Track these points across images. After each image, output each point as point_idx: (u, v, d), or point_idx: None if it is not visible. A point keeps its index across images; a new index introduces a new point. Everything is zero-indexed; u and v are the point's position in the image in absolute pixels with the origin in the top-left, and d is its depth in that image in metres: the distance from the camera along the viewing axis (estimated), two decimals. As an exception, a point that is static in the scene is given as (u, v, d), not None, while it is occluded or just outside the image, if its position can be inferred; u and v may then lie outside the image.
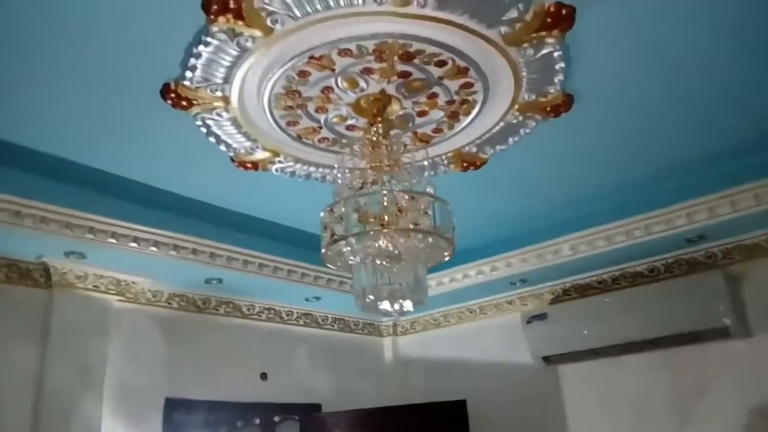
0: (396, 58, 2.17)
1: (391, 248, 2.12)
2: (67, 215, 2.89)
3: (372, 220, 2.14)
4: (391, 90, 2.35)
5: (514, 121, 2.64)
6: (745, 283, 3.50)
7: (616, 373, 3.88)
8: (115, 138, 2.66)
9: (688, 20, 2.10)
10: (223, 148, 2.71)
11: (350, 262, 2.17)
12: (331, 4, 1.90)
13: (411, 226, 2.05)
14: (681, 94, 2.55)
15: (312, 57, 2.15)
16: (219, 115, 2.47)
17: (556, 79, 2.36)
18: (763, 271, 3.48)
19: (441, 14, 1.97)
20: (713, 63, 2.35)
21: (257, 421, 4.18)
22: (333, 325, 4.73)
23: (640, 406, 3.74)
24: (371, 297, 2.13)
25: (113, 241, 3.01)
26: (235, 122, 2.53)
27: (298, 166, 2.92)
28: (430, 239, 2.10)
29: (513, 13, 1.98)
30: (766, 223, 3.30)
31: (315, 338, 4.58)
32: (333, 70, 2.23)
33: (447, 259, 2.24)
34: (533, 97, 2.47)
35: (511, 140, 2.79)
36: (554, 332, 3.98)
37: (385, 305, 2.13)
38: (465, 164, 2.98)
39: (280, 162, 2.87)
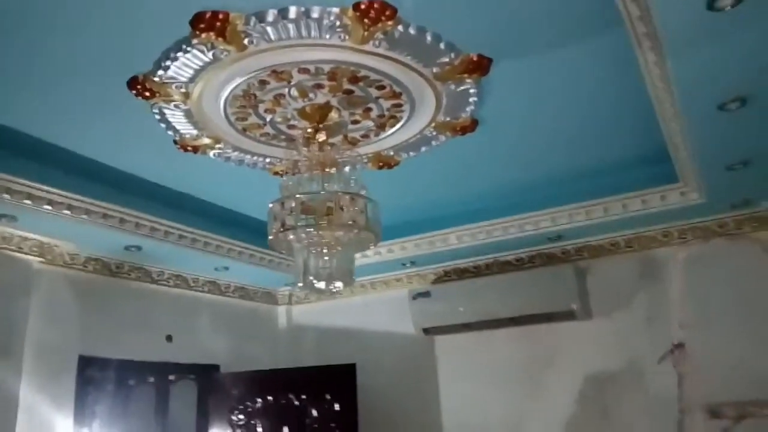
0: (345, 79, 2.59)
1: (327, 239, 2.57)
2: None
3: (313, 214, 2.58)
4: (334, 102, 2.77)
5: (429, 135, 3.16)
6: (590, 275, 4.35)
7: (483, 344, 4.62)
8: (68, 113, 2.82)
9: (572, 78, 2.72)
10: (170, 133, 2.97)
11: (294, 247, 2.59)
12: (303, 34, 2.27)
13: (350, 223, 2.50)
14: (560, 128, 3.21)
15: (274, 71, 2.51)
16: (176, 106, 2.74)
17: (467, 108, 2.90)
18: (604, 268, 4.34)
19: (389, 53, 2.42)
20: (585, 105, 3.02)
21: (151, 379, 4.46)
22: (235, 294, 5.07)
23: (501, 373, 4.50)
24: (311, 277, 2.56)
25: (49, 207, 3.16)
26: (188, 114, 2.81)
27: (235, 153, 3.24)
28: (363, 234, 2.57)
29: (445, 58, 2.48)
30: (609, 229, 4.13)
31: (217, 305, 4.91)
32: (289, 82, 2.60)
33: (372, 247, 2.73)
34: (447, 119, 3.00)
35: (423, 149, 3.31)
36: (435, 308, 4.63)
37: (321, 284, 2.57)
38: (381, 164, 3.47)
39: (219, 148, 3.18)
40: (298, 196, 2.52)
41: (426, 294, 4.65)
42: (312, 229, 2.49)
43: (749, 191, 3.59)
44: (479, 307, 4.45)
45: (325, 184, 2.64)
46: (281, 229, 2.53)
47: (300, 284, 2.62)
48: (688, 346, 3.44)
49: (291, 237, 2.54)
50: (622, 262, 4.29)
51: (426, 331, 4.70)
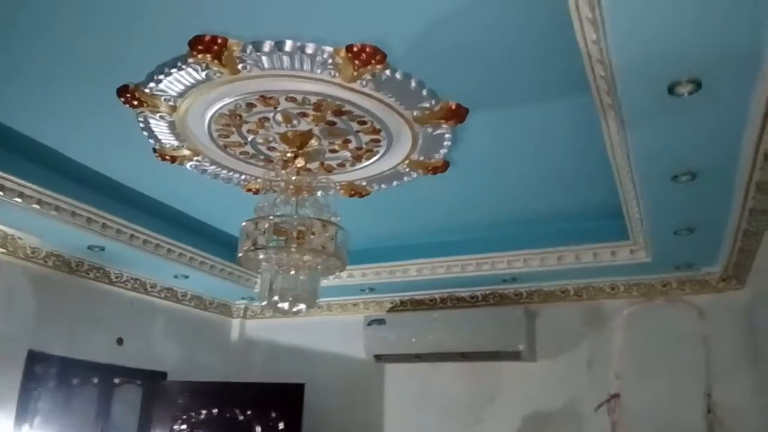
0: (329, 111, 2.71)
1: (296, 262, 2.66)
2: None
3: (285, 235, 2.68)
4: (316, 131, 2.89)
5: (401, 171, 3.30)
6: (538, 319, 4.53)
7: (431, 375, 4.73)
8: (53, 112, 2.86)
9: (541, 131, 2.91)
10: (151, 141, 3.04)
11: (263, 266, 2.68)
12: (296, 66, 2.40)
13: (320, 248, 2.60)
14: (526, 175, 3.40)
15: (263, 96, 2.62)
16: (161, 117, 2.81)
17: (441, 150, 3.06)
18: (552, 312, 4.53)
19: (375, 93, 2.56)
20: (551, 157, 3.20)
21: (96, 380, 4.42)
22: (190, 302, 5.07)
23: (445, 404, 4.62)
24: (275, 298, 2.65)
25: (19, 200, 3.16)
26: (172, 126, 2.89)
27: (212, 167, 3.32)
28: (331, 260, 2.68)
29: (426, 104, 2.63)
30: (561, 277, 4.33)
31: (172, 311, 4.90)
32: (275, 107, 2.71)
33: (337, 272, 2.83)
34: (421, 158, 3.15)
35: (394, 183, 3.45)
36: (388, 335, 4.73)
37: (284, 305, 2.66)
38: (353, 192, 3.59)
39: (197, 161, 3.25)
40: (271, 217, 2.61)
41: (381, 321, 4.76)
42: (282, 251, 2.58)
43: (692, 256, 3.84)
44: (431, 339, 4.57)
45: (299, 209, 2.75)
46: (252, 248, 2.61)
47: (264, 302, 2.70)
48: (623, 396, 3.63)
49: (261, 256, 2.63)
50: (570, 309, 4.49)
51: (377, 357, 4.79)
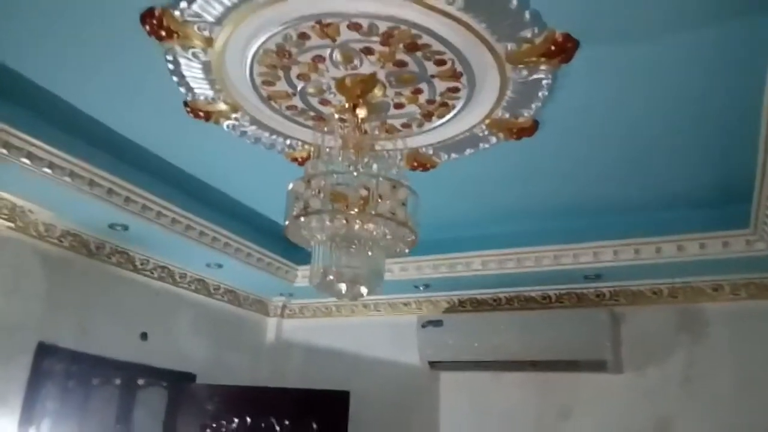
0: (401, 45, 2.16)
1: (358, 232, 2.10)
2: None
3: (344, 201, 2.12)
4: (380, 75, 2.34)
5: (480, 134, 2.73)
6: (624, 324, 3.88)
7: (493, 387, 4.12)
8: (63, 53, 2.37)
9: (665, 79, 2.30)
10: (182, 90, 2.52)
11: (316, 239, 2.12)
12: (364, -25, 1.86)
13: (389, 215, 2.04)
14: (632, 141, 2.78)
15: (319, 22, 2.08)
16: (195, 56, 2.29)
17: (533, 105, 2.48)
18: (640, 316, 3.87)
19: (462, 15, 1.99)
20: (671, 126, 2.60)
21: (118, 381, 3.92)
22: (223, 297, 4.57)
23: (509, 420, 4.00)
24: (331, 277, 2.09)
25: (27, 161, 2.69)
26: (207, 67, 2.37)
27: (253, 128, 2.79)
28: (400, 231, 2.11)
29: (527, 33, 2.06)
30: (655, 274, 3.67)
31: (202, 306, 4.40)
32: (334, 40, 2.16)
33: (405, 251, 2.26)
34: (506, 116, 2.57)
35: (467, 151, 2.88)
36: (446, 340, 4.13)
37: (342, 287, 2.10)
38: (416, 164, 3.02)
39: (235, 119, 2.73)
40: (327, 173, 2.06)
41: (438, 323, 4.16)
42: (342, 217, 2.02)
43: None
44: (497, 345, 3.96)
45: (360, 168, 2.19)
46: (303, 213, 2.06)
47: (315, 282, 2.14)
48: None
49: (314, 224, 2.06)
50: (662, 313, 3.82)
51: (432, 364, 4.19)
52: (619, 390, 3.77)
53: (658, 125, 2.64)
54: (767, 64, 2.03)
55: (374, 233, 2.06)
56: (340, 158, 2.19)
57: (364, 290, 2.14)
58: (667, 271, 3.59)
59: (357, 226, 2.06)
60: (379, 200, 2.06)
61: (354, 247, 2.10)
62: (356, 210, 2.04)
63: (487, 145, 2.81)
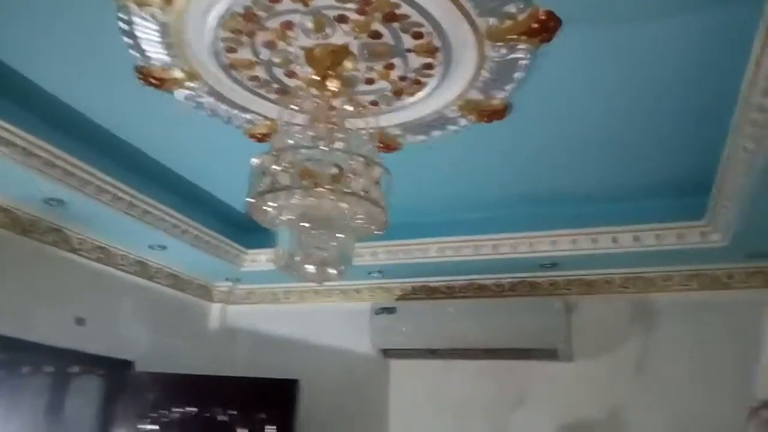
0: (379, 14, 2.03)
1: (330, 211, 1.98)
2: None
3: (311, 179, 1.98)
4: (353, 47, 2.21)
5: (449, 115, 2.64)
6: (577, 313, 3.90)
7: (446, 374, 4.08)
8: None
9: (645, 64, 2.27)
10: (134, 53, 2.32)
11: (283, 218, 1.98)
12: (346, -66, 1.73)
13: (362, 193, 1.92)
14: (607, 135, 2.77)
15: (294, -18, 1.93)
16: (152, 15, 2.10)
17: (507, 87, 2.41)
18: (590, 306, 3.90)
19: (446, -16, 1.90)
20: (632, 118, 2.58)
21: (50, 369, 3.65)
22: (165, 281, 4.33)
23: (462, 408, 3.97)
24: (298, 258, 1.96)
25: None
26: (164, 29, 2.17)
27: (210, 99, 2.60)
28: (373, 210, 2.00)
29: (511, 8, 1.98)
30: (609, 263, 3.70)
31: (143, 290, 4.16)
32: (307, 5, 2.02)
33: (375, 233, 2.15)
34: (480, 97, 2.49)
35: (435, 133, 2.79)
36: (399, 327, 4.06)
37: (311, 269, 1.97)
38: (381, 144, 2.88)
39: (192, 88, 2.53)
40: (295, 148, 1.92)
41: (391, 310, 4.08)
42: (312, 194, 1.89)
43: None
44: (451, 333, 3.92)
45: (331, 145, 2.06)
46: (270, 189, 1.91)
47: (281, 264, 2.00)
48: None
49: (281, 202, 1.92)
50: (614, 303, 3.87)
51: (385, 352, 4.11)
52: (571, 379, 3.79)
53: (620, 117, 2.63)
54: (747, 54, 2.02)
55: (346, 212, 1.94)
56: (309, 133, 2.05)
57: (333, 272, 2.02)
58: (622, 261, 3.63)
59: (330, 205, 1.93)
60: (351, 178, 1.93)
61: (323, 227, 1.97)
62: (328, 187, 1.90)
63: (455, 127, 2.72)
